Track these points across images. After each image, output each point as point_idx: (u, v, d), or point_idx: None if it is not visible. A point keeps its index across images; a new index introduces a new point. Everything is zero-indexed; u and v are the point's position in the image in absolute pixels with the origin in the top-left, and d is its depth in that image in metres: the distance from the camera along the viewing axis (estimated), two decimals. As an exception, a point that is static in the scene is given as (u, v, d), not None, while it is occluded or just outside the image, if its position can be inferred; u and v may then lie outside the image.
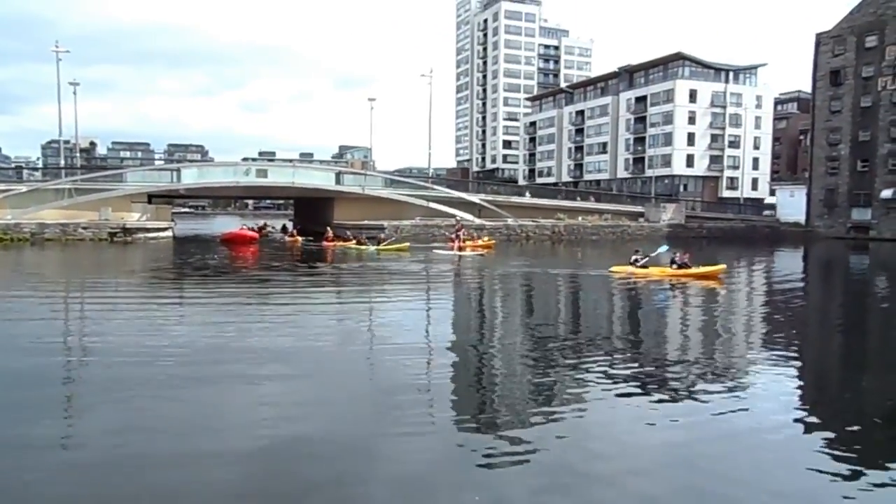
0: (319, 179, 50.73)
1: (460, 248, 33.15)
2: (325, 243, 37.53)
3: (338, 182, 50.59)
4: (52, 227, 38.02)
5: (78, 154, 74.18)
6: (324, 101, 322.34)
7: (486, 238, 39.50)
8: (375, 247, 34.12)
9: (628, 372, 9.74)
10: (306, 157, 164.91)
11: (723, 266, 23.06)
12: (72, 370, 9.90)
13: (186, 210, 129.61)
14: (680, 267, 22.40)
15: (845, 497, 5.71)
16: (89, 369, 9.75)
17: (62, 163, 55.85)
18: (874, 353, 12.94)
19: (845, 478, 6.03)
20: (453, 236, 35.25)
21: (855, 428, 7.71)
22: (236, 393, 8.54)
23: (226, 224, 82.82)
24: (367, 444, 6.75)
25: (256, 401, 8.11)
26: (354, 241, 36.48)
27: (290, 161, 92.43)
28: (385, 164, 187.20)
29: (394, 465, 6.22)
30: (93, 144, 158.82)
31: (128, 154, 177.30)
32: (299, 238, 41.57)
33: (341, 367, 10.00)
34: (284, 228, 48.68)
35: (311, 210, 56.20)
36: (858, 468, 6.21)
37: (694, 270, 22.16)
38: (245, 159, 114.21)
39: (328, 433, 7.10)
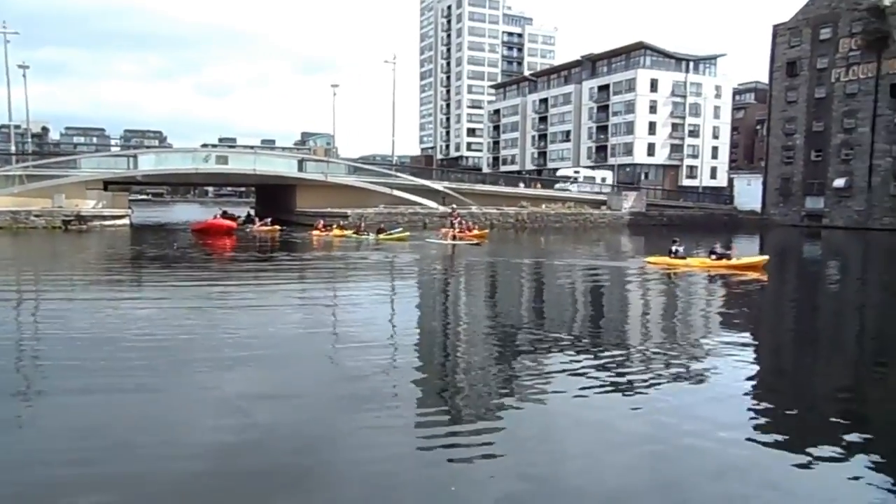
0: (281, 166, 50.04)
1: (454, 238, 32.41)
2: (315, 232, 36.54)
3: (300, 169, 49.99)
4: (2, 215, 36.81)
5: (30, 139, 71.69)
6: (285, 86, 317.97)
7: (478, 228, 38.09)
8: (375, 236, 33.59)
9: (594, 360, 9.85)
10: (268, 144, 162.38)
11: (765, 257, 22.20)
12: (23, 362, 9.60)
13: (144, 197, 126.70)
14: (720, 258, 21.67)
15: (801, 482, 5.86)
16: (43, 361, 9.45)
17: (13, 149, 53.93)
18: (827, 336, 13.33)
19: (800, 462, 6.19)
20: (448, 225, 34.49)
21: (809, 409, 7.93)
22: (197, 385, 8.39)
23: (186, 212, 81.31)
24: (333, 436, 6.71)
25: (219, 391, 7.99)
26: (353, 231, 35.79)
27: (252, 147, 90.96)
28: (348, 151, 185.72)
29: (360, 458, 6.16)
30: (45, 130, 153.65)
31: (82, 139, 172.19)
32: (276, 227, 40.07)
33: (307, 358, 9.89)
34: (249, 217, 46.51)
35: (274, 197, 55.47)
36: (814, 451, 6.38)
37: (735, 262, 21.42)
38: (205, 145, 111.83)
39: (292, 425, 7.03)
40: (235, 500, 5.40)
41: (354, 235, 34.69)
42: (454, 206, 40.28)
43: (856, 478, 5.90)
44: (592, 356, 10.05)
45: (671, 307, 16.01)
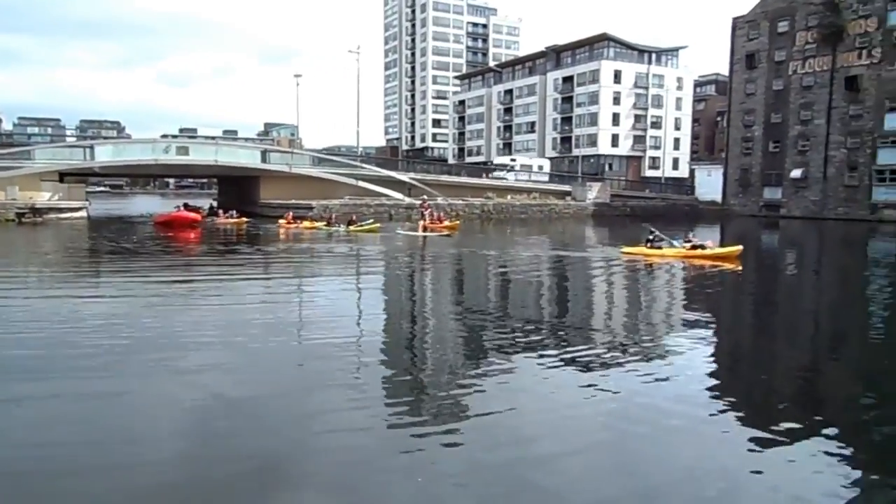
0: (244, 157, 49.33)
1: (425, 229, 32.11)
2: (282, 223, 35.95)
3: (264, 160, 49.33)
4: (-49, 208, 35.59)
5: (-20, 129, 69.28)
6: (248, 76, 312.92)
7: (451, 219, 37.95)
8: (345, 227, 33.18)
9: (562, 347, 9.92)
10: (230, 135, 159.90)
11: (740, 247, 22.46)
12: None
13: (102, 189, 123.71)
14: (695, 248, 21.93)
15: (756, 471, 5.99)
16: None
17: (-38, 139, 52.13)
18: (789, 321, 13.65)
19: (755, 447, 6.33)
20: (419, 216, 34.13)
21: (767, 395, 8.12)
22: (159, 381, 8.21)
23: (146, 204, 79.66)
24: (299, 428, 6.66)
25: (182, 386, 7.84)
26: (325, 223, 35.28)
27: (213, 138, 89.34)
28: (313, 142, 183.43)
29: (326, 448, 6.15)
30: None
31: (36, 130, 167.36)
32: (243, 220, 39.39)
33: (272, 350, 9.76)
34: (212, 209, 45.60)
35: (237, 189, 54.64)
36: (768, 435, 6.54)
37: (709, 252, 21.66)
38: (165, 136, 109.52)
39: (257, 417, 6.94)
40: (203, 494, 5.31)
41: (325, 227, 34.23)
42: (425, 196, 39.83)
43: (812, 455, 6.08)
44: (561, 343, 10.13)
45: (641, 295, 16.24)
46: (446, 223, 34.64)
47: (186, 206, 41.29)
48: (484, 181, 57.92)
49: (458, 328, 11.62)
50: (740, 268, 20.56)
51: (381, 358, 9.42)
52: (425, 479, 5.52)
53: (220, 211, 43.18)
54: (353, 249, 25.51)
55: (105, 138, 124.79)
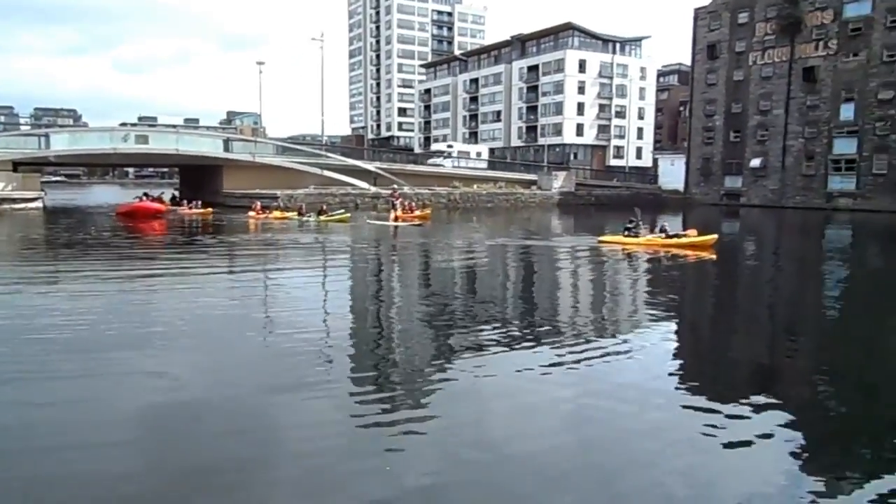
0: (206, 146, 48.40)
1: (396, 219, 31.67)
2: (251, 214, 35.12)
3: (226, 149, 48.50)
4: None
5: (-73, 117, 66.75)
6: (209, 63, 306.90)
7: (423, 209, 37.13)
8: (316, 217, 32.68)
9: (528, 337, 9.97)
10: (192, 123, 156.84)
11: (714, 236, 22.46)
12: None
13: (59, 179, 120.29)
14: (670, 237, 22.12)
15: (725, 446, 6.10)
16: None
17: None
18: (747, 308, 13.94)
19: (717, 423, 6.45)
20: (390, 206, 33.61)
21: (727, 379, 8.28)
22: (121, 376, 8.03)
23: (105, 194, 77.79)
24: (265, 419, 6.59)
25: (144, 380, 7.68)
26: (296, 212, 34.57)
27: (174, 127, 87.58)
28: (277, 131, 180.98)
29: (293, 440, 6.10)
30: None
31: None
32: (209, 210, 38.45)
33: (238, 342, 9.62)
34: (174, 199, 44.60)
35: (199, 178, 53.62)
36: (730, 417, 6.69)
37: (685, 240, 21.83)
38: (123, 124, 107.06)
39: (222, 411, 6.85)
40: (168, 487, 5.21)
41: (297, 217, 33.65)
42: (395, 186, 39.36)
43: (767, 435, 6.26)
44: (528, 333, 10.18)
45: (613, 284, 16.42)
46: (417, 213, 34.30)
47: (146, 195, 40.32)
48: (450, 171, 57.78)
49: (426, 320, 11.58)
50: (714, 256, 20.78)
51: (348, 352, 9.35)
52: (393, 469, 5.51)
53: (185, 201, 42.08)
54: (324, 240, 25.27)
55: (61, 126, 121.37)
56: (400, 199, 34.72)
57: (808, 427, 6.69)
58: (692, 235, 21.92)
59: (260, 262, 19.71)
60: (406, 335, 10.55)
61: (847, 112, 51.21)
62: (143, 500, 5.08)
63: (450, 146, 70.40)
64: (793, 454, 6.00)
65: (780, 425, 6.55)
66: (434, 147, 76.09)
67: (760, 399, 7.31)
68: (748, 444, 6.15)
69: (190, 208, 39.28)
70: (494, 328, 10.57)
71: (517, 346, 9.34)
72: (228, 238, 26.14)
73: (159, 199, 39.76)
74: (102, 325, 10.29)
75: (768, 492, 5.31)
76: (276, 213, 35.38)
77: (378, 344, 10.10)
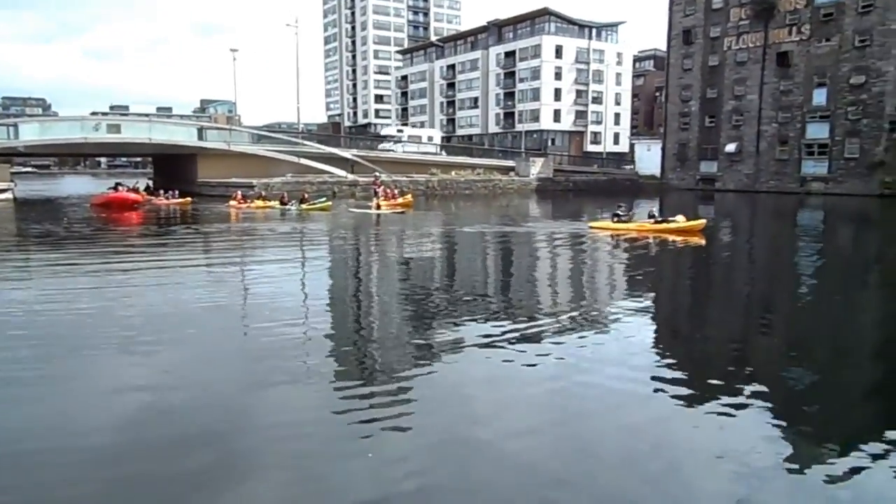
0: (180, 135, 47.67)
1: (378, 207, 31.30)
2: (233, 203, 34.31)
3: (200, 138, 47.82)
4: None
5: None
6: (181, 50, 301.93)
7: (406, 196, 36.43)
8: (298, 206, 32.19)
9: (509, 323, 9.98)
10: (164, 112, 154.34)
11: (703, 221, 22.60)
12: None
13: (29, 170, 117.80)
14: (659, 222, 22.21)
15: (694, 427, 6.17)
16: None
17: None
18: (718, 292, 14.10)
19: (692, 407, 6.52)
20: (372, 194, 33.12)
21: (703, 363, 8.37)
22: (96, 370, 7.90)
23: (77, 184, 76.43)
24: (246, 409, 6.55)
25: (121, 375, 7.56)
26: (279, 201, 33.87)
27: (147, 115, 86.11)
28: (252, 119, 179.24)
29: (275, 429, 6.06)
30: None
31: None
32: (188, 200, 37.60)
33: (217, 333, 9.50)
34: (148, 189, 43.48)
35: (173, 168, 52.90)
36: (706, 396, 6.77)
37: (674, 226, 21.89)
38: (94, 113, 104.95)
39: (203, 397, 6.82)
40: (150, 482, 5.13)
41: (279, 206, 33.08)
42: (377, 174, 38.74)
43: (741, 405, 6.41)
44: (510, 317, 10.19)
45: (597, 269, 16.51)
46: (399, 200, 33.89)
47: (119, 185, 39.51)
48: (428, 157, 57.59)
49: (412, 308, 11.54)
50: (703, 241, 20.84)
51: (328, 342, 9.29)
52: (375, 455, 5.50)
53: (161, 191, 40.80)
54: (305, 229, 24.99)
55: (30, 116, 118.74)
56: (382, 187, 34.30)
57: (780, 400, 6.88)
58: (681, 221, 22.02)
59: (241, 253, 19.40)
60: (389, 323, 10.50)
61: (819, 97, 51.84)
62: (122, 487, 5.04)
63: (400, 130, 69.63)
64: (767, 424, 6.19)
65: (754, 396, 6.78)
66: (384, 132, 75.08)
67: (737, 373, 7.47)
68: (723, 415, 6.33)
69: (167, 198, 38.31)
70: (475, 314, 10.57)
71: (497, 331, 9.34)
72: (209, 228, 25.61)
73: (135, 190, 38.49)
74: (78, 318, 10.11)
75: (742, 460, 5.41)
76: (258, 202, 34.75)
77: (359, 334, 10.05)
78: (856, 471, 5.33)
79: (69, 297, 11.86)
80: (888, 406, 7.21)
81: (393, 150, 58.37)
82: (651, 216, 22.76)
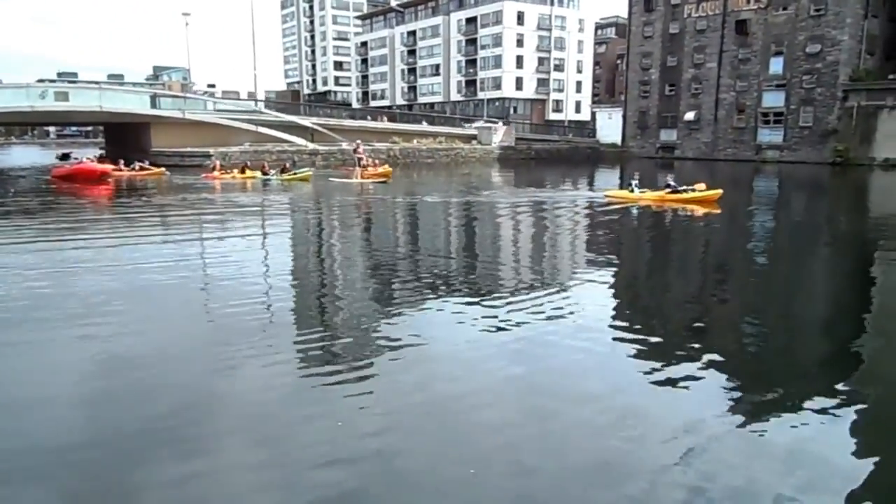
0: (132, 103, 46.10)
1: (360, 176, 30.57)
2: (214, 175, 32.50)
3: (154, 106, 46.34)
4: None
5: None
6: (131, 16, 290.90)
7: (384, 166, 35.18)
8: (279, 176, 31.29)
9: (467, 290, 9.94)
10: (116, 79, 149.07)
11: (719, 191, 21.99)
12: None
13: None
14: (674, 192, 21.82)
15: (654, 394, 6.24)
16: None
17: None
18: (678, 259, 14.31)
19: (655, 379, 6.60)
20: (355, 162, 32.26)
21: (662, 328, 8.48)
22: (59, 338, 7.72)
23: (25, 155, 73.66)
24: (212, 387, 6.42)
25: (80, 356, 7.28)
26: (260, 171, 32.50)
27: (97, 83, 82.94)
28: (207, 86, 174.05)
29: (242, 405, 5.97)
30: None
31: None
32: (161, 170, 34.83)
33: (183, 309, 9.25)
34: (102, 160, 40.33)
35: (125, 136, 51.28)
36: (665, 361, 6.86)
37: (688, 195, 21.54)
38: (41, 81, 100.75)
39: (166, 372, 6.66)
40: (115, 454, 5.03)
41: (261, 176, 31.95)
42: (359, 141, 37.44)
43: (698, 369, 6.52)
44: (477, 284, 10.17)
45: (539, 238, 16.52)
46: (380, 170, 33.12)
47: (67, 155, 37.57)
48: (389, 126, 56.92)
49: (405, 276, 11.42)
50: (718, 210, 20.70)
51: (296, 314, 9.15)
52: (344, 425, 5.48)
53: (125, 161, 36.47)
54: (285, 200, 24.42)
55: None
56: (363, 155, 33.20)
57: (736, 363, 7.08)
58: (699, 190, 21.67)
59: (218, 225, 18.57)
60: (349, 293, 10.36)
61: (776, 65, 52.55)
62: (88, 455, 5.01)
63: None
64: (723, 389, 6.36)
65: (712, 362, 6.94)
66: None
67: (697, 341, 7.58)
68: (682, 380, 6.47)
69: (140, 168, 35.59)
70: (449, 282, 10.51)
71: (467, 299, 9.30)
72: (193, 201, 23.71)
73: (105, 160, 35.21)
74: (37, 290, 9.73)
75: (701, 422, 5.55)
76: (238, 173, 33.09)
77: (321, 305, 9.89)
78: (808, 428, 5.47)
79: (27, 273, 11.39)
80: (836, 365, 7.39)
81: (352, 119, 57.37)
82: (668, 185, 22.37)
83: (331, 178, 31.66)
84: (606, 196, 23.68)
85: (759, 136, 54.05)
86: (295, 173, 32.08)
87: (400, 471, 4.86)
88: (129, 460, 4.98)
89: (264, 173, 32.34)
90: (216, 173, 33.03)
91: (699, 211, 20.59)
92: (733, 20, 54.52)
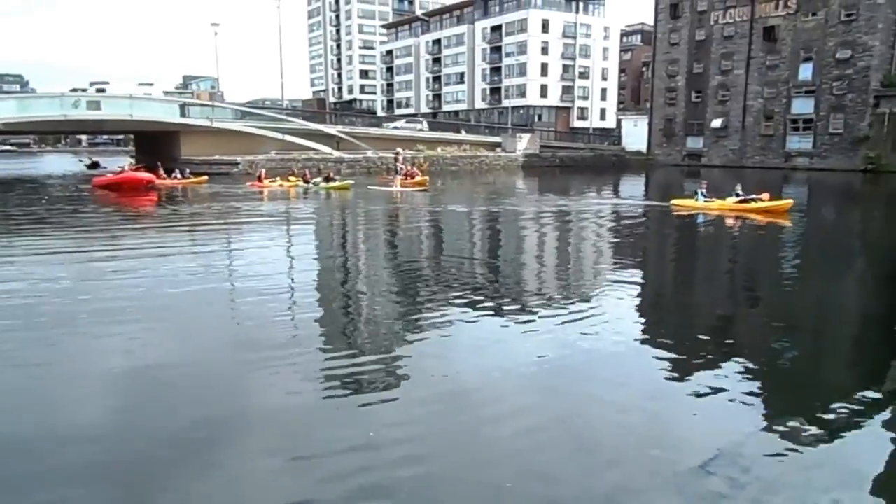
0: (162, 112, 46.94)
1: (400, 184, 30.47)
2: (258, 183, 32.12)
3: (183, 115, 47.12)
4: None
5: None
6: (162, 27, 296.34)
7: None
8: (322, 184, 31.17)
9: (494, 299, 9.92)
10: (146, 88, 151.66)
11: (790, 201, 21.41)
12: None
13: (8, 148, 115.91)
14: (742, 201, 21.14)
15: (684, 406, 6.16)
16: None
17: None
18: (704, 269, 14.13)
19: (685, 389, 6.52)
20: (394, 171, 32.17)
21: (690, 338, 8.37)
22: (84, 342, 7.84)
23: (58, 163, 75.19)
24: (239, 392, 6.45)
25: (110, 348, 7.43)
26: (302, 179, 32.53)
27: (128, 92, 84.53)
28: (235, 95, 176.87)
29: (270, 411, 5.98)
30: None
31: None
32: (203, 178, 35.09)
33: (211, 308, 9.37)
34: (141, 168, 39.92)
35: (155, 145, 52.16)
36: (694, 373, 6.76)
37: (757, 205, 20.79)
38: (74, 90, 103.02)
39: (193, 377, 6.74)
40: (141, 463, 5.04)
41: (303, 184, 31.97)
42: (399, 149, 37.29)
43: (726, 382, 6.33)
44: (499, 295, 10.15)
45: (564, 245, 16.43)
46: (418, 178, 32.86)
47: (96, 164, 38.04)
48: (414, 134, 57.14)
49: (447, 283, 11.45)
50: (788, 222, 19.98)
51: (324, 318, 9.19)
52: (376, 433, 5.46)
53: (178, 171, 36.54)
54: (324, 208, 24.51)
55: (7, 93, 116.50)
56: (404, 163, 32.99)
57: (764, 374, 6.93)
58: (766, 199, 21.04)
59: (258, 234, 18.36)
60: (380, 299, 10.40)
61: (805, 72, 51.87)
62: (116, 464, 4.99)
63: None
64: (752, 397, 6.18)
65: (740, 372, 6.83)
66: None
67: (728, 349, 7.50)
68: (713, 391, 6.33)
69: (184, 177, 35.44)
70: (464, 290, 10.51)
71: (486, 307, 9.28)
72: (240, 209, 23.76)
73: (146, 168, 34.16)
74: (68, 297, 9.93)
75: (730, 433, 5.43)
76: (281, 182, 32.89)
77: (364, 315, 9.92)
78: (839, 437, 5.36)
79: (60, 277, 11.62)
80: (866, 375, 7.23)
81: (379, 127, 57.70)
82: (736, 194, 21.67)
83: (370, 187, 31.40)
84: (672, 205, 23.08)
85: (788, 144, 53.32)
86: (340, 182, 31.86)
87: (432, 480, 4.83)
88: (158, 469, 5.00)
89: (306, 181, 32.30)
90: (264, 182, 32.62)
91: (768, 221, 19.83)
92: (761, 26, 53.97)
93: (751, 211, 20.75)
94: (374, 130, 55.09)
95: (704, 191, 22.60)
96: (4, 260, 14.12)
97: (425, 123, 60.91)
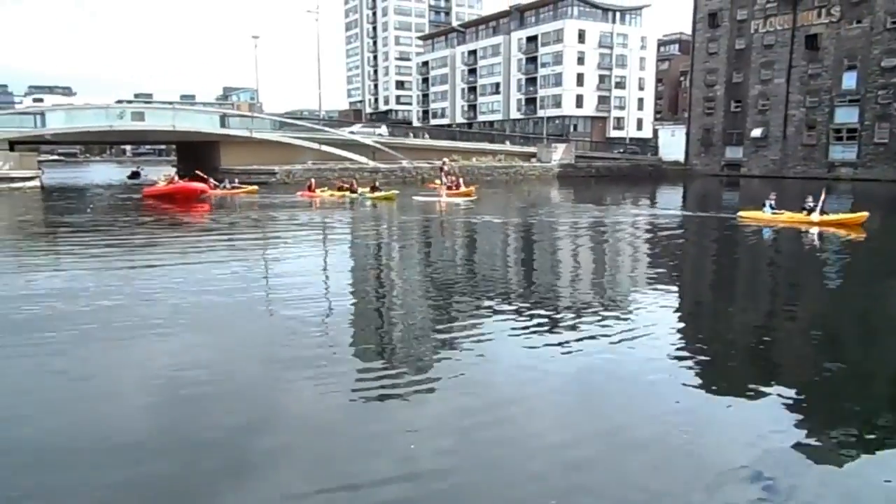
0: (203, 123, 48.02)
1: (445, 195, 30.19)
2: (309, 193, 32.37)
3: (223, 125, 48.13)
4: None
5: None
6: (204, 38, 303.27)
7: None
8: (368, 195, 31.23)
9: (531, 310, 9.93)
10: (188, 99, 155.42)
11: (864, 214, 20.35)
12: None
13: (56, 157, 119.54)
14: (810, 213, 20.27)
15: (720, 415, 6.10)
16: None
17: None
18: (743, 281, 13.91)
19: (721, 400, 6.44)
20: (440, 181, 31.75)
21: (727, 352, 8.26)
22: (127, 350, 8.02)
23: (103, 172, 77.38)
24: (275, 398, 6.59)
25: (149, 363, 7.62)
26: (348, 188, 32.57)
27: (170, 103, 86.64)
28: (273, 106, 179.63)
29: (310, 424, 6.05)
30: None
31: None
32: (254, 188, 35.54)
33: (249, 318, 9.57)
34: (191, 178, 40.10)
35: (196, 155, 53.28)
36: (731, 387, 6.68)
37: (829, 218, 19.97)
38: (119, 101, 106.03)
39: (228, 386, 6.86)
40: (176, 473, 5.16)
41: (349, 195, 31.99)
42: (445, 159, 36.81)
43: (768, 393, 6.25)
44: (554, 306, 10.15)
45: (599, 256, 16.32)
46: (463, 189, 32.42)
47: (138, 172, 38.69)
48: (449, 143, 57.37)
49: (499, 295, 11.53)
50: (864, 235, 19.12)
51: (359, 329, 9.32)
52: (417, 445, 5.48)
53: (226, 180, 36.72)
54: (365, 218, 24.71)
55: (56, 105, 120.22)
56: (450, 175, 32.50)
57: (803, 387, 6.82)
58: (841, 213, 20.45)
59: (314, 244, 18.83)
60: (416, 309, 10.49)
61: (849, 80, 50.75)
62: (154, 476, 5.07)
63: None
64: (790, 411, 6.05)
65: (779, 384, 6.75)
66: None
67: (764, 364, 7.37)
68: (748, 404, 6.24)
69: (234, 187, 35.87)
70: (495, 301, 10.53)
71: (520, 320, 9.29)
72: (292, 218, 24.33)
73: (200, 178, 33.47)
74: (106, 305, 10.23)
75: (766, 446, 5.38)
76: (330, 192, 33.02)
77: (399, 325, 10.03)
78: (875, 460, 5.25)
79: (101, 284, 11.98)
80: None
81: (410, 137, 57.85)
82: (805, 208, 20.79)
83: (415, 198, 31.28)
84: (740, 217, 22.40)
85: (831, 154, 52.16)
86: (384, 192, 31.82)
87: (480, 495, 4.84)
88: (193, 475, 5.11)
89: (352, 191, 32.35)
90: (315, 192, 32.79)
91: (842, 234, 19.03)
92: (803, 35, 53.01)
93: (823, 224, 19.89)
94: (409, 141, 55.50)
95: (773, 203, 21.92)
96: (54, 268, 14.62)
97: (384, 128, 59.99)
